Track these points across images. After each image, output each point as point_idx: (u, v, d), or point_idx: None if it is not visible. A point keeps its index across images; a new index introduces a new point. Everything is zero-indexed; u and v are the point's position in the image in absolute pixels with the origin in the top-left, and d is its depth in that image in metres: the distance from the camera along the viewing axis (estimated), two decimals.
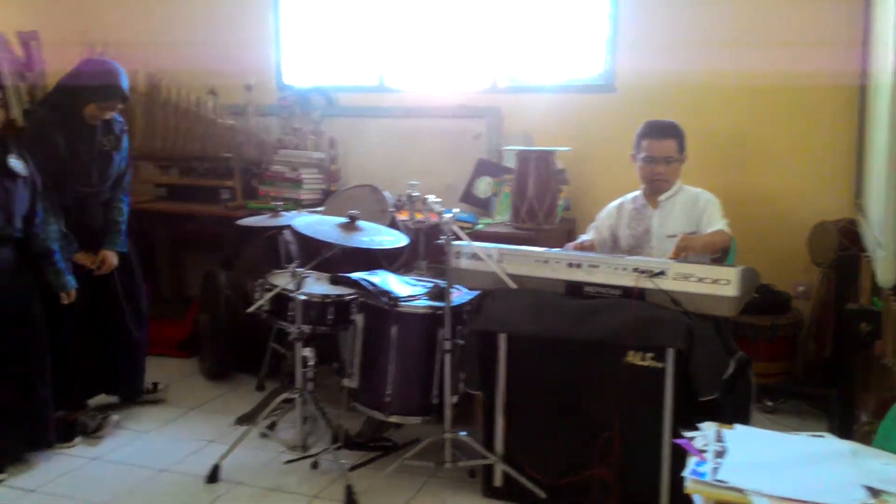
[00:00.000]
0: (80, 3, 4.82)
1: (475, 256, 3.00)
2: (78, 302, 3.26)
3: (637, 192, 3.35)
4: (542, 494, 2.80)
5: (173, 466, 3.18)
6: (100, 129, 3.37)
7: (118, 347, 3.57)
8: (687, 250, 2.95)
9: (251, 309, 3.23)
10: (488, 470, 2.91)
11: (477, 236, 3.36)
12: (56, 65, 4.27)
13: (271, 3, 4.67)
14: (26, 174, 3.02)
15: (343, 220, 3.14)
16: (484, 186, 4.14)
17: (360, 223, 3.16)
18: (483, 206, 4.13)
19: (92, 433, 3.42)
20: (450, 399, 2.92)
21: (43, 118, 3.24)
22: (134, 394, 3.73)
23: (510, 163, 4.05)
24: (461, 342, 2.96)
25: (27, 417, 3.10)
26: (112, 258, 3.43)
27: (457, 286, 3.02)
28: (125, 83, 3.33)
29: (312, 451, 3.17)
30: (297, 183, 4.30)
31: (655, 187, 3.27)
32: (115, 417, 3.52)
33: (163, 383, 3.87)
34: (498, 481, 2.89)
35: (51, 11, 4.59)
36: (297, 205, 4.17)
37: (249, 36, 4.69)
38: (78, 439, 3.37)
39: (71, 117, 3.27)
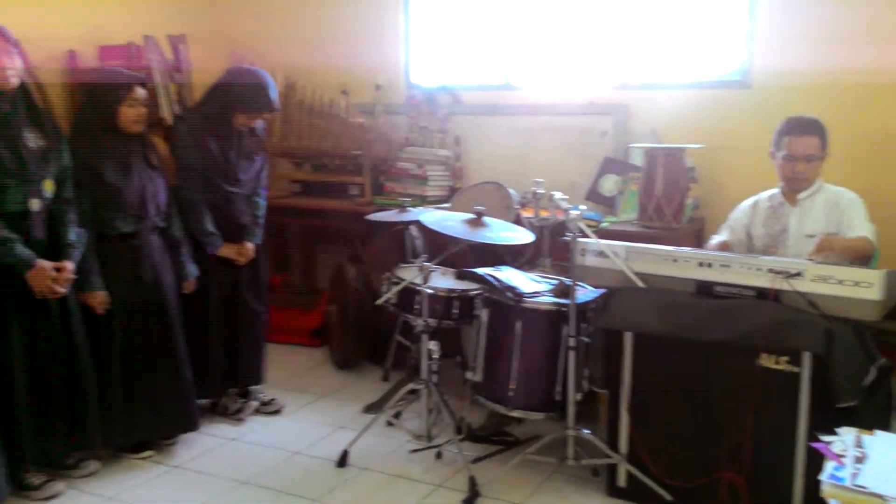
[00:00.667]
0: (224, 7, 5.08)
1: (601, 254, 2.99)
2: (216, 292, 3.48)
3: (774, 190, 3.25)
4: (667, 496, 2.77)
5: (305, 450, 3.33)
6: (246, 133, 3.57)
7: (248, 337, 3.72)
8: (827, 251, 2.84)
9: (379, 301, 3.33)
10: (612, 469, 2.90)
11: (602, 234, 3.34)
12: (201, 65, 4.54)
13: (401, 4, 4.79)
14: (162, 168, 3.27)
15: (470, 216, 3.20)
16: (610, 184, 4.10)
17: (486, 219, 3.20)
18: (608, 204, 4.09)
19: (232, 415, 3.62)
20: (573, 396, 2.92)
21: (196, 124, 3.44)
22: (256, 382, 3.83)
23: (637, 161, 4.00)
24: (586, 339, 2.96)
25: (177, 400, 3.32)
26: (252, 250, 3.62)
27: (581, 283, 3.02)
28: (274, 94, 3.51)
29: (437, 442, 3.24)
30: (422, 180, 4.40)
31: (795, 185, 3.16)
32: (253, 403, 3.72)
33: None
34: (622, 481, 2.87)
35: (197, 15, 4.86)
36: (423, 201, 4.26)
37: (380, 37, 4.82)
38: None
39: (221, 124, 3.46)
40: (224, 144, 3.47)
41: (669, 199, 3.72)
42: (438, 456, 3.22)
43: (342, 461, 3.17)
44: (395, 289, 3.27)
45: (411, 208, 3.66)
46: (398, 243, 3.97)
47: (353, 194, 4.58)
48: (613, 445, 2.87)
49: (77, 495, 2.95)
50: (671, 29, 4.20)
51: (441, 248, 3.37)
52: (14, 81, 2.78)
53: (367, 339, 4.32)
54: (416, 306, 3.19)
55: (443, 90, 4.66)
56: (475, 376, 3.15)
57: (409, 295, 3.25)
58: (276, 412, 3.72)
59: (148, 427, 3.25)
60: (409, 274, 3.31)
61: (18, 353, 2.83)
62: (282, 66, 4.68)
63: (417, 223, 3.57)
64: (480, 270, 3.20)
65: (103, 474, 3.11)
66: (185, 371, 3.32)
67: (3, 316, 2.81)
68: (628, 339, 2.81)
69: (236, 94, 3.43)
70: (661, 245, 3.02)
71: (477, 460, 3.17)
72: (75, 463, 3.07)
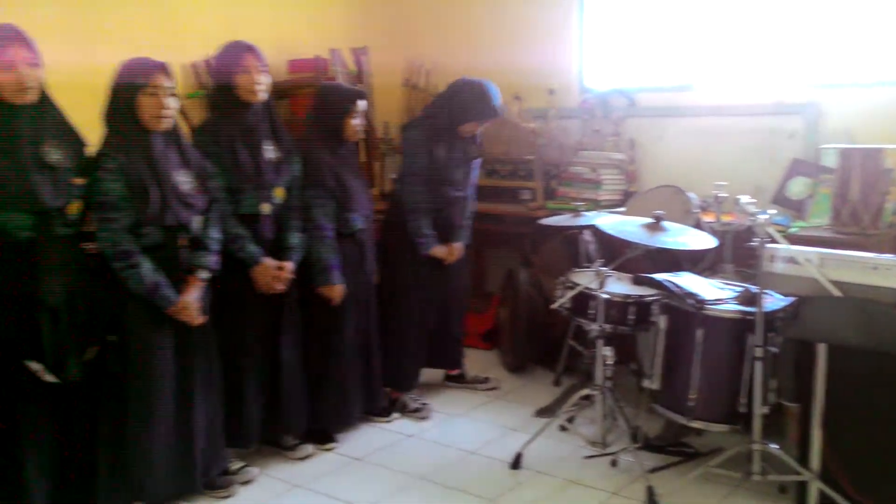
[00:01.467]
0: (403, 19, 5.24)
1: (791, 261, 2.83)
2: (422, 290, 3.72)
3: None
4: None
5: (480, 450, 3.38)
6: (469, 140, 3.76)
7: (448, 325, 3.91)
8: None
9: (554, 306, 3.33)
10: (801, 487, 2.74)
11: (790, 240, 3.17)
12: (381, 76, 4.73)
13: (576, 7, 4.77)
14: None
15: (648, 220, 3.13)
16: (798, 187, 3.88)
17: (665, 224, 3.12)
18: (796, 208, 3.88)
19: (411, 412, 3.75)
20: (759, 408, 2.79)
21: (425, 132, 3.65)
22: (454, 365, 4.05)
23: (829, 162, 3.76)
24: (774, 350, 2.82)
25: (364, 391, 3.50)
26: (460, 250, 3.81)
27: (769, 291, 2.88)
28: (498, 101, 3.68)
29: (612, 449, 3.20)
30: (596, 184, 4.35)
31: None
32: (431, 404, 3.84)
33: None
34: (812, 500, 2.71)
35: (378, 28, 5.06)
36: (596, 205, 4.22)
37: (553, 41, 4.82)
38: (395, 415, 3.71)
39: (448, 132, 3.66)
40: (450, 151, 3.67)
41: (866, 203, 3.47)
42: (613, 464, 3.17)
43: (516, 463, 3.20)
44: (570, 293, 3.25)
45: (585, 212, 3.64)
46: (571, 248, 3.95)
47: (525, 199, 4.60)
48: (804, 462, 2.72)
49: (267, 481, 3.14)
50: (867, 23, 3.93)
51: (615, 252, 3.33)
52: (263, 97, 3.07)
53: (538, 343, 4.32)
54: (591, 311, 3.16)
55: (617, 93, 4.60)
56: (652, 384, 3.08)
57: (583, 300, 3.22)
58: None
59: (336, 414, 3.45)
60: (583, 278, 3.28)
61: (250, 339, 3.11)
62: (455, 73, 4.79)
63: (592, 227, 3.54)
64: (659, 276, 3.13)
65: (289, 463, 3.29)
66: (375, 364, 3.55)
67: (242, 305, 3.07)
68: (822, 350, 2.65)
69: (463, 104, 3.62)
70: (858, 252, 2.83)
71: (654, 470, 3.09)
72: (236, 470, 3.16)
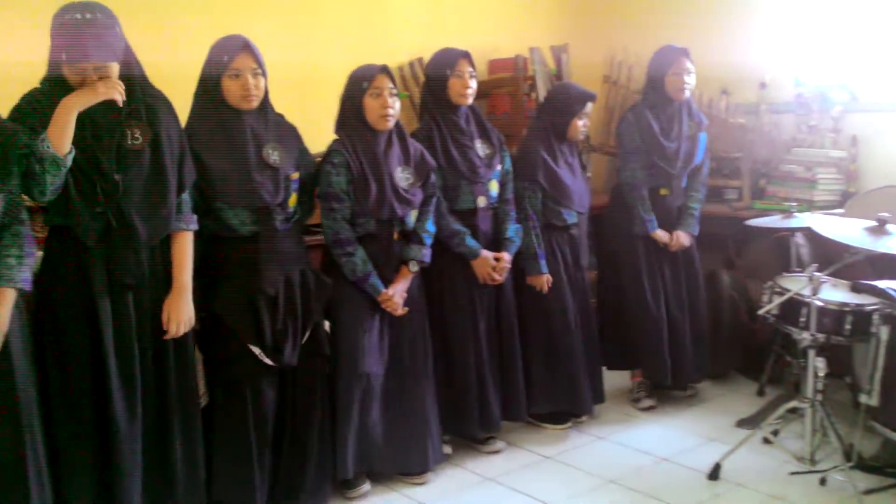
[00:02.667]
0: (602, 15, 5.16)
1: None
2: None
3: None
4: None
5: (674, 457, 3.27)
6: (685, 117, 3.73)
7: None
8: None
9: (761, 312, 3.15)
10: None
11: None
12: (580, 73, 4.68)
13: None
14: None
15: (871, 223, 2.89)
16: None
17: (890, 227, 2.87)
18: None
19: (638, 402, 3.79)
20: None
21: (642, 110, 3.70)
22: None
23: None
24: None
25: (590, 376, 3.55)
26: (684, 238, 3.75)
27: None
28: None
29: (821, 467, 2.98)
30: (810, 183, 4.07)
31: None
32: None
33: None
34: None
35: (578, 25, 5.02)
36: (810, 206, 3.94)
37: (765, 32, 4.55)
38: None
39: (662, 108, 3.68)
40: (666, 125, 3.67)
41: None
42: (822, 482, 2.95)
43: (714, 474, 3.06)
44: (779, 299, 3.07)
45: (798, 213, 3.41)
46: (780, 251, 3.73)
47: (730, 198, 4.40)
48: None
49: (458, 472, 3.20)
50: None
51: (831, 257, 3.09)
52: (470, 101, 3.23)
53: (740, 349, 4.11)
54: (802, 319, 2.96)
55: (837, 86, 4.26)
56: (870, 400, 2.84)
57: (793, 306, 3.02)
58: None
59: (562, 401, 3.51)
60: (794, 284, 3.08)
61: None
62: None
63: (805, 230, 3.31)
64: (881, 284, 2.88)
65: (476, 456, 3.33)
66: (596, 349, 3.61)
67: (457, 297, 3.21)
68: None
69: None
70: None
71: (868, 492, 2.85)
72: (485, 439, 3.36)
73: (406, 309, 2.95)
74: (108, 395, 2.32)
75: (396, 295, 2.91)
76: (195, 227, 2.53)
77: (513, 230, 3.33)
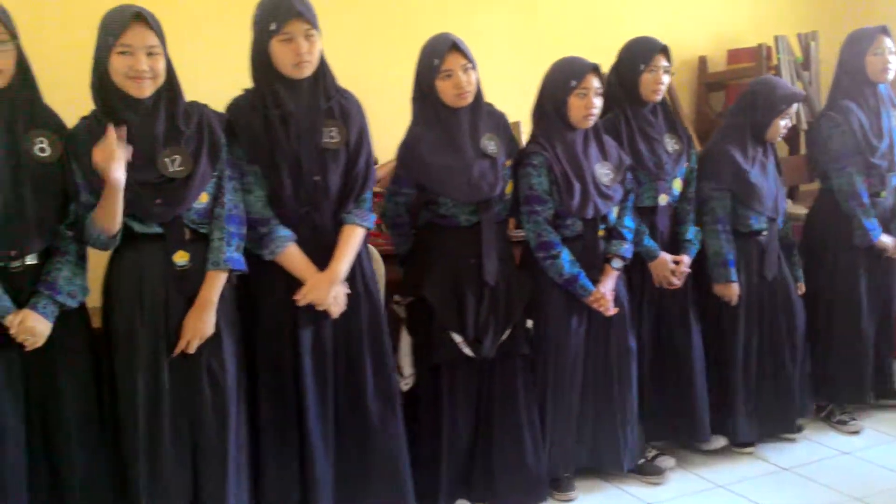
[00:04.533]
0: None
1: None
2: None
3: None
4: None
5: None
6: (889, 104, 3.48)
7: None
8: None
9: None
10: None
11: None
12: (831, 62, 4.36)
13: None
14: None
15: None
16: None
17: None
18: None
19: (837, 423, 3.50)
20: None
21: (846, 105, 3.42)
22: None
23: None
24: None
25: (783, 398, 3.32)
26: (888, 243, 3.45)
27: None
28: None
29: None
30: None
31: None
32: (860, 423, 3.51)
33: None
34: None
35: (832, 10, 4.68)
36: None
37: None
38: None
39: (864, 98, 3.43)
40: (873, 124, 3.41)
41: None
42: None
43: None
44: None
45: None
46: None
47: None
48: None
49: (685, 475, 3.13)
50: None
51: None
52: (660, 97, 3.11)
53: None
54: None
55: None
56: None
57: None
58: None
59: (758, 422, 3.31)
60: None
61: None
62: None
63: None
64: None
65: (707, 462, 3.23)
66: (794, 371, 3.31)
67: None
68: None
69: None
70: None
71: None
72: (651, 457, 3.18)
73: (617, 308, 2.90)
74: (302, 393, 2.45)
75: (607, 293, 2.86)
76: (370, 225, 2.56)
77: (692, 232, 3.15)
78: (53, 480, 2.25)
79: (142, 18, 2.15)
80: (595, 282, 2.85)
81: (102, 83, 2.20)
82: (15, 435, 2.15)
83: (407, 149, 2.71)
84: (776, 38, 4.23)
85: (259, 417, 2.45)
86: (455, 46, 2.63)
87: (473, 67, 2.67)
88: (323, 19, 2.41)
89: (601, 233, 2.90)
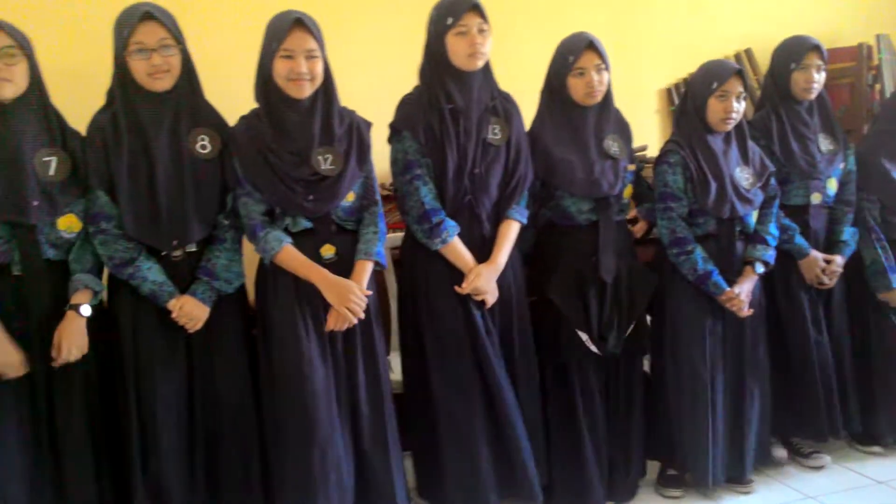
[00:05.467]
0: None
1: None
2: None
3: None
4: None
5: None
6: None
7: None
8: None
9: None
10: None
11: None
12: None
13: None
14: None
15: None
16: None
17: None
18: None
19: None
20: None
21: None
22: None
23: None
24: None
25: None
26: None
27: None
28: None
29: None
30: None
31: None
32: None
33: None
34: None
35: None
36: None
37: None
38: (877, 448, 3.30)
39: None
40: None
41: None
42: None
43: None
44: None
45: None
46: None
47: None
48: None
49: (777, 487, 3.03)
50: None
51: None
52: (815, 95, 3.05)
53: None
54: None
55: None
56: None
57: None
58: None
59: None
60: None
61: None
62: None
63: None
64: None
65: (792, 476, 3.13)
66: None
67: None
68: None
69: None
70: None
71: None
72: (808, 453, 3.17)
73: (751, 311, 2.86)
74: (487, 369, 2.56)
75: (742, 294, 2.82)
76: (524, 220, 2.67)
77: (848, 233, 3.12)
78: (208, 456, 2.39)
79: (302, 24, 2.27)
80: (730, 283, 2.83)
81: (266, 85, 2.33)
82: (176, 411, 2.32)
83: (531, 139, 2.74)
84: (878, 37, 4.09)
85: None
86: (591, 45, 2.65)
87: (607, 68, 2.69)
88: None
89: (737, 235, 2.87)
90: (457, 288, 2.53)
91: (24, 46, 2.15)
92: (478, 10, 2.47)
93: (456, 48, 2.49)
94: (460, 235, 2.55)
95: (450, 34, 2.48)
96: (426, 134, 2.52)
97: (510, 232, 2.63)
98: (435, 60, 2.54)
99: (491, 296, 2.57)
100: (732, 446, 2.91)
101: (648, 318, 2.91)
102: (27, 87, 2.17)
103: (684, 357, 2.84)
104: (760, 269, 2.87)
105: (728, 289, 2.79)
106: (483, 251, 2.59)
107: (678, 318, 2.86)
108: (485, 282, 2.54)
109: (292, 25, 2.26)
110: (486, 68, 2.58)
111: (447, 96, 2.52)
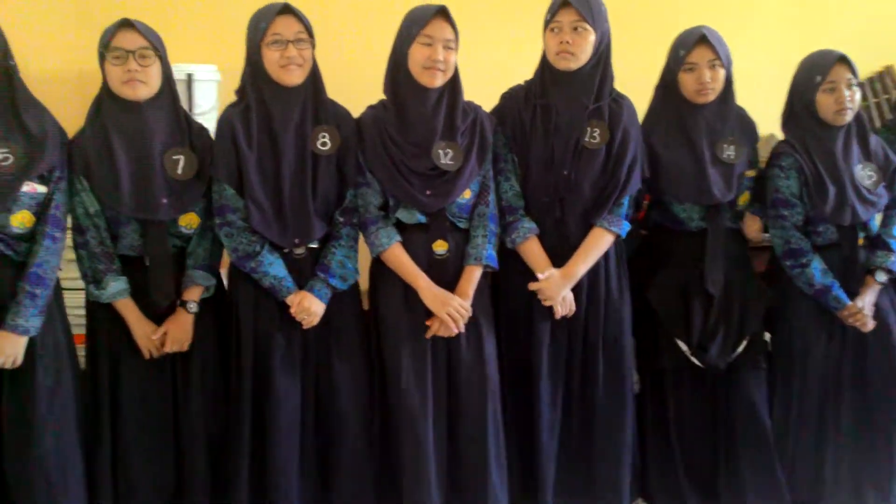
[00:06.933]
0: None
1: None
2: None
3: None
4: None
5: None
6: None
7: None
8: None
9: None
10: None
11: None
12: None
13: None
14: None
15: None
16: None
17: None
18: None
19: None
20: None
21: None
22: None
23: None
24: None
25: None
26: None
27: None
28: None
29: None
30: None
31: None
32: None
33: None
34: None
35: None
36: None
37: None
38: None
39: None
40: None
41: None
42: None
43: None
44: None
45: None
46: None
47: None
48: None
49: None
50: None
51: None
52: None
53: None
54: None
55: None
56: None
57: None
58: None
59: None
60: None
61: None
62: None
63: None
64: None
65: None
66: None
67: None
68: None
69: None
70: None
71: None
72: None
73: (874, 323, 2.63)
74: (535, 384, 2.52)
75: (866, 307, 2.61)
76: (621, 231, 2.53)
77: None
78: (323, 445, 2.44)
79: (446, 14, 2.32)
80: (853, 295, 2.62)
81: (398, 72, 2.36)
82: (292, 411, 2.37)
83: (640, 139, 2.61)
84: None
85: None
86: (704, 39, 2.51)
87: (723, 65, 2.55)
88: None
89: (861, 241, 2.66)
90: (530, 285, 2.48)
91: (157, 48, 2.23)
92: (571, 6, 2.38)
93: (548, 44, 2.45)
94: (544, 240, 2.49)
95: (546, 31, 2.45)
96: (514, 128, 2.48)
97: (596, 242, 2.50)
98: (543, 57, 2.51)
99: (561, 306, 2.48)
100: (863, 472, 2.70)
101: (768, 335, 2.73)
102: (159, 87, 2.26)
103: (797, 374, 2.66)
104: (882, 277, 2.63)
105: (850, 303, 2.58)
106: (568, 258, 2.49)
107: (792, 333, 2.67)
108: (554, 288, 2.45)
109: (436, 14, 2.29)
110: (596, 67, 2.46)
111: (542, 91, 2.48)
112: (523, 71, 2.59)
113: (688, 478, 2.68)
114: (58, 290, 2.30)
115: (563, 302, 2.47)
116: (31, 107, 2.20)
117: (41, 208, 2.18)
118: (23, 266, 2.17)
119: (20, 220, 2.15)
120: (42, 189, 2.18)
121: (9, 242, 2.16)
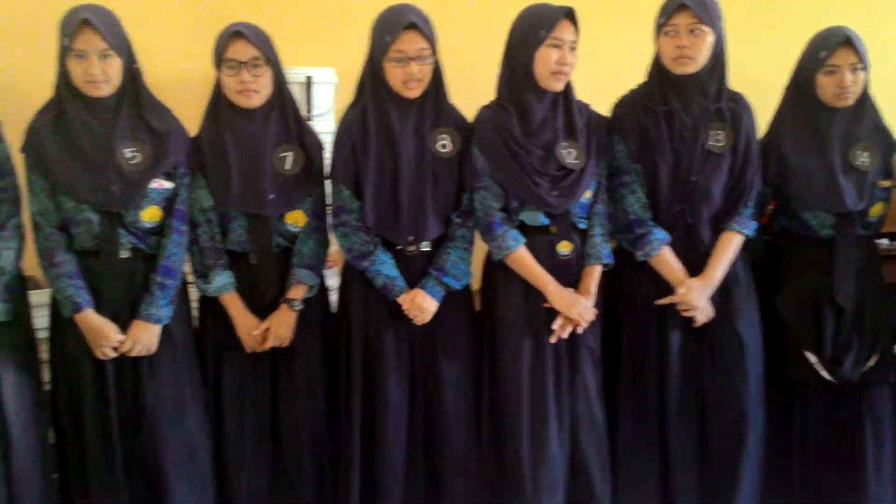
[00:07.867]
0: None
1: None
2: None
3: None
4: None
5: None
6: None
7: None
8: None
9: None
10: None
11: None
12: None
13: None
14: None
15: None
16: None
17: None
18: None
19: None
20: None
21: None
22: None
23: None
24: None
25: None
26: None
27: None
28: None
29: None
30: None
31: None
32: None
33: None
34: None
35: None
36: None
37: None
38: None
39: None
40: None
41: None
42: None
43: None
44: None
45: None
46: None
47: None
48: None
49: None
50: None
51: None
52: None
53: None
54: None
55: None
56: None
57: None
58: None
59: None
60: None
61: None
62: None
63: None
64: None
65: None
66: None
67: None
68: None
69: None
70: None
71: None
72: None
73: None
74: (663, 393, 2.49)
75: None
76: (750, 232, 2.48)
77: None
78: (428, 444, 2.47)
79: (572, 16, 2.31)
80: None
81: (519, 74, 2.36)
82: (402, 412, 2.41)
83: (766, 140, 2.56)
84: None
85: None
86: (848, 41, 2.41)
87: (864, 68, 2.44)
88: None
89: None
90: (658, 302, 2.44)
91: (268, 55, 2.30)
92: (687, 9, 2.31)
93: (663, 49, 2.39)
94: (675, 247, 2.43)
95: (662, 35, 2.38)
96: (637, 138, 2.43)
97: (730, 245, 2.45)
98: (655, 59, 2.45)
99: (702, 313, 2.43)
100: None
101: None
102: (272, 92, 2.33)
103: None
104: None
105: None
106: (701, 265, 2.44)
107: None
108: (696, 297, 2.40)
109: (563, 15, 2.28)
110: (712, 70, 2.40)
111: (662, 98, 2.42)
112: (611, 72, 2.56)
113: (804, 492, 2.59)
114: (183, 283, 2.40)
115: (703, 310, 2.44)
116: (156, 107, 2.30)
117: (168, 203, 2.29)
118: (152, 258, 2.28)
119: (150, 214, 2.26)
120: (169, 185, 2.28)
121: (140, 236, 2.27)
